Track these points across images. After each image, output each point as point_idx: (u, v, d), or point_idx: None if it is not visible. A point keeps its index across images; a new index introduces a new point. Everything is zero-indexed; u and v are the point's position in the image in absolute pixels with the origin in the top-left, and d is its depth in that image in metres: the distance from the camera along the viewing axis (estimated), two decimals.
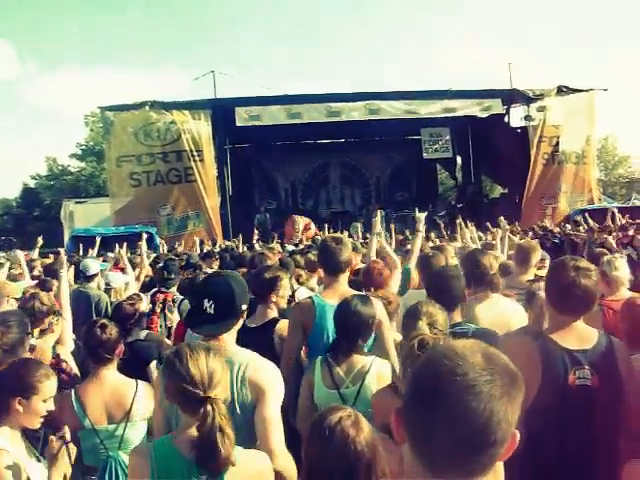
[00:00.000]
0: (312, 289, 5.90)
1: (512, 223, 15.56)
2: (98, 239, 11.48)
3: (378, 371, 3.43)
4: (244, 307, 2.98)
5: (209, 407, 2.16)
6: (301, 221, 18.86)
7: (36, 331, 4.42)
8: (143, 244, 8.88)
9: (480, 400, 1.19)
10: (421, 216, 6.30)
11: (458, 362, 1.23)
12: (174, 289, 6.90)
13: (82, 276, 7.43)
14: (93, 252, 11.35)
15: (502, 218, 8.66)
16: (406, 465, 1.37)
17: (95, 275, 7.41)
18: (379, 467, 1.96)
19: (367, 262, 5.98)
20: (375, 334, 3.98)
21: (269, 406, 2.69)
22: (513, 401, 1.24)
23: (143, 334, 4.95)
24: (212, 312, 2.86)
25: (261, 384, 2.73)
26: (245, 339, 3.05)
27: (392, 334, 4.12)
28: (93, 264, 7.61)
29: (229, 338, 2.92)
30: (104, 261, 10.34)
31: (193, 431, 2.17)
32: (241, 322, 3.01)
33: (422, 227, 6.27)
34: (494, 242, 8.06)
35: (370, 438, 1.97)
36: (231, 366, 2.72)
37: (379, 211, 6.49)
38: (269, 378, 2.79)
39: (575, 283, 2.89)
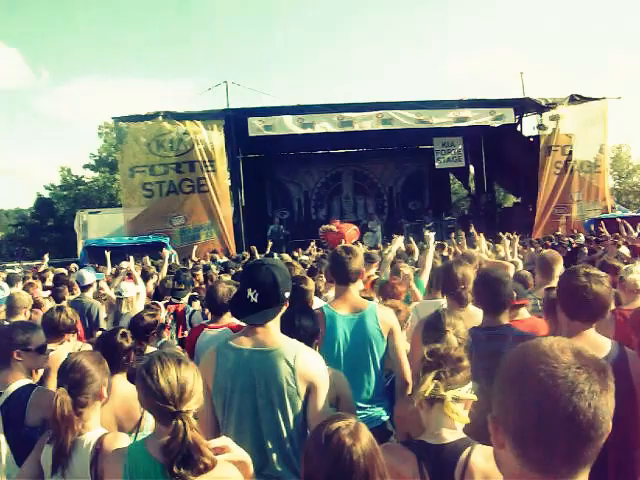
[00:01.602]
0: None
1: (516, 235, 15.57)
2: (108, 254, 11.58)
3: None
4: (287, 295, 3.01)
5: (180, 422, 2.20)
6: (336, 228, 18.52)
7: (54, 345, 4.47)
8: (165, 252, 9.87)
9: (584, 399, 1.23)
10: (430, 235, 6.97)
11: (554, 365, 1.27)
12: (185, 299, 6.90)
13: (79, 287, 7.64)
14: (107, 265, 11.51)
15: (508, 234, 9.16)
16: (505, 471, 1.40)
17: (90, 285, 7.57)
18: (377, 477, 1.96)
19: (380, 275, 6.21)
20: (387, 343, 3.97)
21: (322, 399, 2.84)
22: (611, 392, 1.29)
23: (159, 344, 4.99)
24: (256, 301, 2.91)
25: (313, 378, 2.85)
26: None
27: (403, 343, 4.11)
28: (88, 275, 7.78)
29: (274, 326, 2.99)
30: (116, 274, 10.47)
31: (165, 439, 2.22)
32: (284, 309, 3.05)
33: (432, 244, 6.87)
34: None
35: (368, 448, 1.97)
36: (279, 357, 2.85)
37: (398, 237, 7.39)
38: (319, 371, 2.92)
39: (586, 288, 2.90)
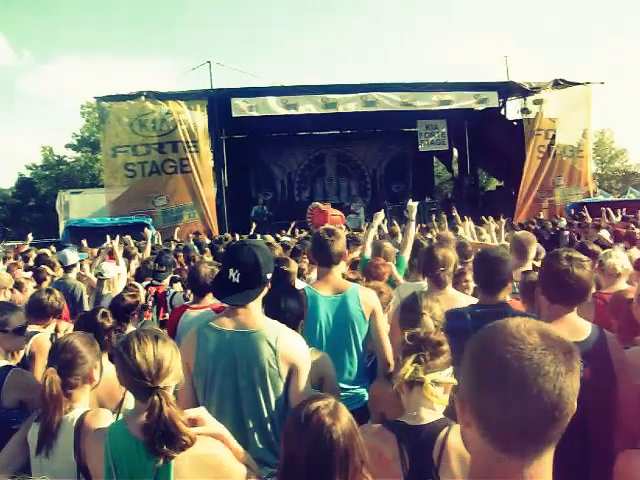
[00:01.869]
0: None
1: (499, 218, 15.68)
2: (84, 242, 11.52)
3: None
4: (269, 276, 3.01)
5: (156, 398, 2.21)
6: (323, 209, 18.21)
7: (39, 327, 4.44)
8: (148, 232, 10.06)
9: (550, 380, 1.23)
10: (413, 205, 6.39)
11: (520, 346, 1.27)
12: (166, 281, 6.85)
13: (62, 267, 7.55)
14: (86, 246, 11.45)
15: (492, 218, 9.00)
16: (471, 449, 1.40)
17: (73, 265, 7.49)
18: (357, 456, 1.98)
19: (362, 252, 6.11)
20: (369, 324, 3.98)
21: (303, 380, 2.86)
22: (576, 373, 1.29)
23: (140, 324, 4.98)
24: (238, 281, 2.91)
25: (295, 360, 2.86)
26: None
27: (385, 325, 4.12)
28: (71, 255, 7.69)
29: (256, 307, 2.99)
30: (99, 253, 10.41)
31: (144, 417, 2.23)
32: (266, 290, 3.04)
33: (414, 216, 6.33)
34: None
35: (347, 428, 1.99)
36: (261, 339, 2.85)
37: (380, 212, 6.93)
38: (301, 352, 2.93)
39: (568, 272, 2.91)
